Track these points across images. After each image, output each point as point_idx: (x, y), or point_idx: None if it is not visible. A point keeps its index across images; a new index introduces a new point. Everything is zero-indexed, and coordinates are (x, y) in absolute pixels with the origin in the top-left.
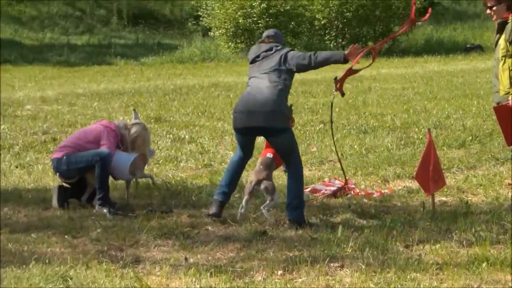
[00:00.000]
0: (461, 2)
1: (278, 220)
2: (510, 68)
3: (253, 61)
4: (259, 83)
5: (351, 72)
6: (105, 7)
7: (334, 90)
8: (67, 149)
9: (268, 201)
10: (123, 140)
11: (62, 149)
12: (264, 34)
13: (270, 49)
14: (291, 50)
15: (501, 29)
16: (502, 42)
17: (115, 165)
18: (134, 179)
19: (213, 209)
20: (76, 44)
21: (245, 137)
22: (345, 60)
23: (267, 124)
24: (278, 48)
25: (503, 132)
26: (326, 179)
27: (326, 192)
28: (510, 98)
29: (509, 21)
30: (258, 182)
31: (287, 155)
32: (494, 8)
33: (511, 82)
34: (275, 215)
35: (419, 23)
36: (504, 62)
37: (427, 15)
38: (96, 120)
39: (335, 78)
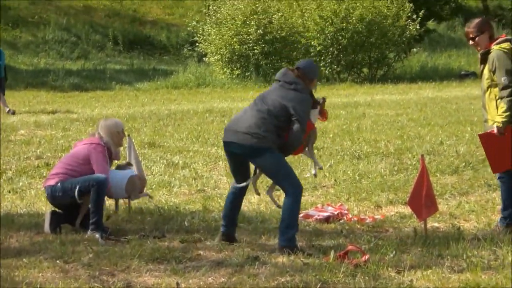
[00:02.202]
0: (456, 30)
1: (270, 246)
2: (496, 98)
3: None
4: (250, 109)
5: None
6: (101, 32)
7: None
8: (59, 176)
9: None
10: (108, 148)
11: (55, 176)
12: (296, 64)
13: (290, 83)
14: (298, 120)
15: (484, 59)
16: (486, 72)
17: (111, 184)
18: (127, 204)
19: (216, 239)
20: (71, 69)
21: (229, 155)
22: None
23: (240, 142)
24: (298, 92)
25: (489, 160)
26: (319, 205)
27: (319, 217)
28: (495, 126)
29: (491, 50)
30: None
31: (273, 177)
32: (477, 39)
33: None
34: (268, 240)
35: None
36: (490, 92)
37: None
38: (76, 142)
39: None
